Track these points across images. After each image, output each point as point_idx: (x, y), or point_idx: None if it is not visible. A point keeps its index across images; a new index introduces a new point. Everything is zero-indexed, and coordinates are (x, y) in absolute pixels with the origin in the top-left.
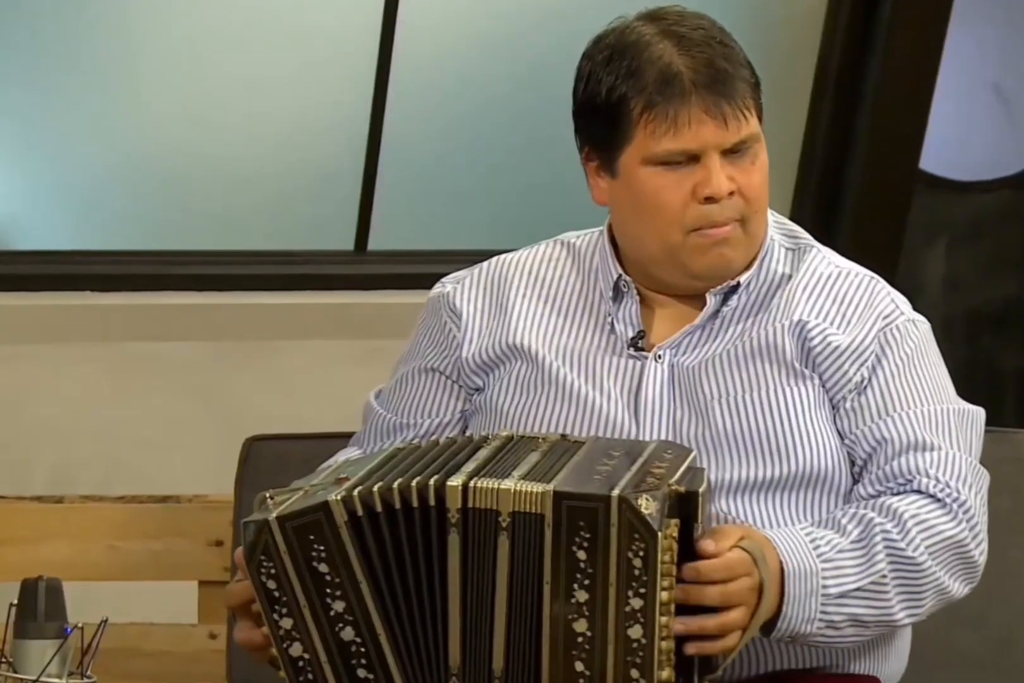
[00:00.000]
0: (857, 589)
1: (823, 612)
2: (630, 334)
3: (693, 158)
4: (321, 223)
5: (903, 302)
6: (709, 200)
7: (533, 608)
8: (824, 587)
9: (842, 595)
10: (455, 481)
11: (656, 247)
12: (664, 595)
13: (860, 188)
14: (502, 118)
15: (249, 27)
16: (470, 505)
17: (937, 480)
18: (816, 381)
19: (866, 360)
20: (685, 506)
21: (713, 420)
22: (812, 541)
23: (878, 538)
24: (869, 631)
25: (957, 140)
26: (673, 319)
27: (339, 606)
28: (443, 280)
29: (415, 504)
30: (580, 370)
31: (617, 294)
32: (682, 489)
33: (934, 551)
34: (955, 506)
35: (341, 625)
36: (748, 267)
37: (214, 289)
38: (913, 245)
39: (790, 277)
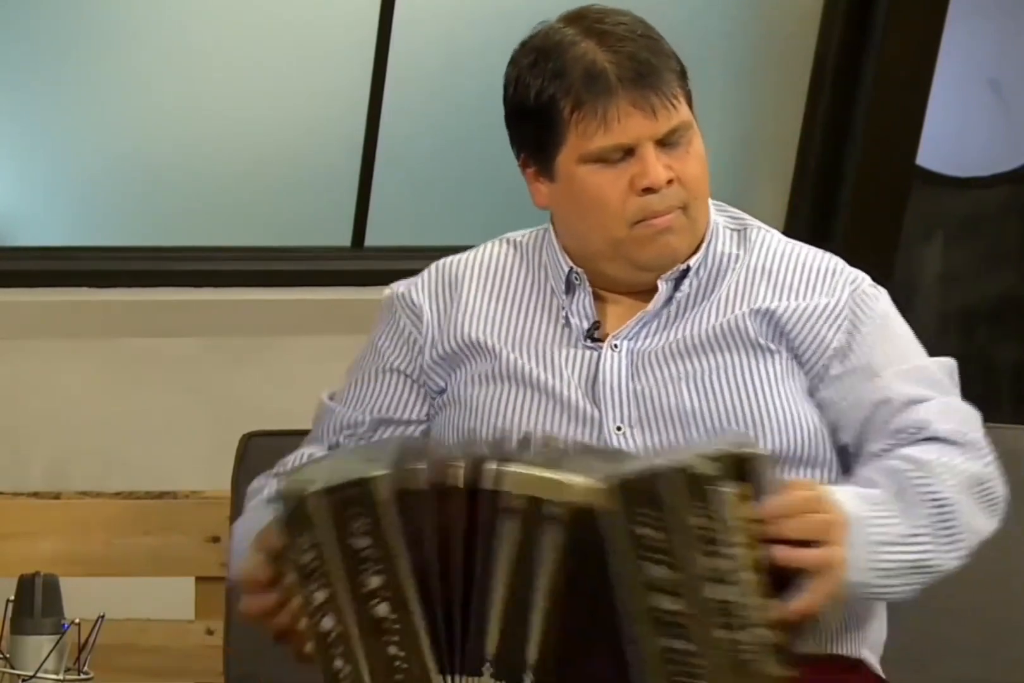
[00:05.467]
0: (906, 534)
1: (876, 561)
2: (585, 326)
3: (628, 152)
4: (318, 219)
5: (862, 273)
6: (648, 191)
7: (594, 597)
8: (874, 534)
9: (892, 543)
10: (513, 468)
11: (602, 243)
12: (744, 551)
13: (857, 184)
14: (499, 114)
15: (245, 23)
16: (529, 493)
17: (945, 425)
18: (783, 355)
19: (842, 323)
20: (744, 469)
21: (681, 397)
22: (857, 493)
23: (910, 484)
24: (922, 578)
25: (954, 136)
26: (627, 309)
27: (375, 582)
28: (391, 285)
29: (461, 485)
30: (538, 361)
31: (569, 287)
32: (740, 451)
33: (963, 490)
34: (968, 445)
35: (376, 600)
36: (694, 253)
37: (211, 285)
38: (910, 241)
39: (738, 257)
